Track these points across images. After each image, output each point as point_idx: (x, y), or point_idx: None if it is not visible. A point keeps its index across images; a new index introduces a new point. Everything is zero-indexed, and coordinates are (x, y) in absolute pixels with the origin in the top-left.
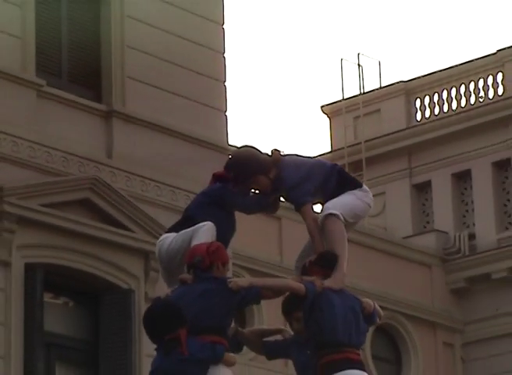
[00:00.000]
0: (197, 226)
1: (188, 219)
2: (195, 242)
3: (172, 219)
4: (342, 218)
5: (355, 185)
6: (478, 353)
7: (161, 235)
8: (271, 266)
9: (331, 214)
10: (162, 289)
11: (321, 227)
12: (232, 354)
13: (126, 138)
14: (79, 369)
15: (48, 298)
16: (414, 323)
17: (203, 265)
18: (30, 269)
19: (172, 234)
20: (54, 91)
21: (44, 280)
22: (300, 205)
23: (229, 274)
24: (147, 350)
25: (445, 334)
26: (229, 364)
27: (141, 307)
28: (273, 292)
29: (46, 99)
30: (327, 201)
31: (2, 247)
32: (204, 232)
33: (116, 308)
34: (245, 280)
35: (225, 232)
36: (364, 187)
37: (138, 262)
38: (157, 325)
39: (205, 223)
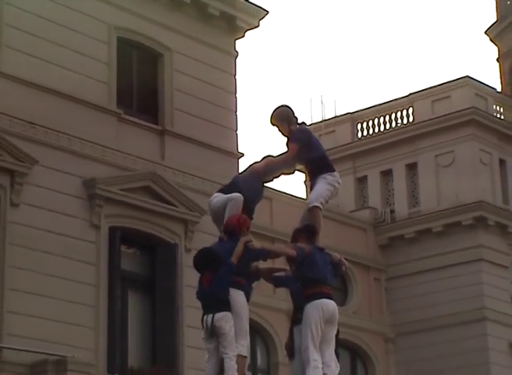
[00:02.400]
0: (230, 196)
1: (233, 184)
2: (228, 209)
3: (202, 199)
4: (321, 206)
5: (329, 169)
6: (395, 285)
7: (196, 209)
8: (264, 229)
9: (315, 206)
10: (197, 243)
11: (308, 210)
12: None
13: (173, 147)
14: (142, 294)
15: (123, 248)
16: (356, 265)
17: (234, 231)
18: (112, 230)
19: (220, 195)
20: (128, 117)
21: (121, 237)
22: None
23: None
24: (186, 282)
25: (375, 273)
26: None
27: (182, 255)
28: (275, 254)
29: (123, 123)
30: (308, 167)
31: (95, 216)
32: (234, 204)
33: (166, 256)
34: (259, 243)
35: (255, 198)
36: (335, 172)
37: (180, 226)
38: (201, 262)
39: (235, 196)
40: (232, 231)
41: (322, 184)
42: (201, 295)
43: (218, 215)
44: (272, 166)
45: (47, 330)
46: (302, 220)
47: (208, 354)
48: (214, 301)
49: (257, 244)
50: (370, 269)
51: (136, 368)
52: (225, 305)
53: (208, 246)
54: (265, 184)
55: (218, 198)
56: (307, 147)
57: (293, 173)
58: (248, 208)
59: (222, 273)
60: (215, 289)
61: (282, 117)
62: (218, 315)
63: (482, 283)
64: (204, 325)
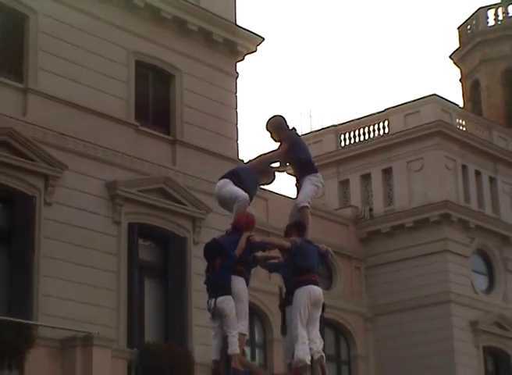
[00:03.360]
0: (238, 195)
1: (235, 173)
2: (236, 208)
3: (208, 199)
4: (309, 206)
5: (313, 171)
6: (373, 272)
7: (202, 208)
8: (261, 224)
9: (305, 206)
10: (203, 236)
11: (298, 209)
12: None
13: (183, 155)
14: (157, 280)
15: (140, 241)
16: (339, 256)
17: (241, 228)
18: (131, 225)
19: (227, 184)
20: (144, 129)
21: (138, 231)
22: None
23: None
24: (194, 270)
25: (356, 262)
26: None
27: (191, 247)
28: (274, 246)
29: (140, 133)
30: (296, 167)
31: (116, 213)
32: (242, 205)
33: (177, 247)
34: (259, 237)
35: (252, 189)
36: (318, 173)
37: (189, 222)
38: (209, 252)
39: (243, 197)
40: (239, 228)
41: (308, 185)
42: (207, 281)
43: (225, 203)
44: (265, 160)
45: (75, 311)
46: (290, 216)
47: (214, 332)
48: (217, 286)
49: (257, 237)
50: (351, 259)
51: (151, 343)
52: (227, 290)
53: (215, 238)
54: (260, 178)
55: (227, 189)
56: (296, 148)
57: (284, 171)
58: (240, 182)
59: (225, 263)
60: (218, 276)
61: (277, 125)
62: (220, 298)
63: (447, 270)
64: (209, 307)
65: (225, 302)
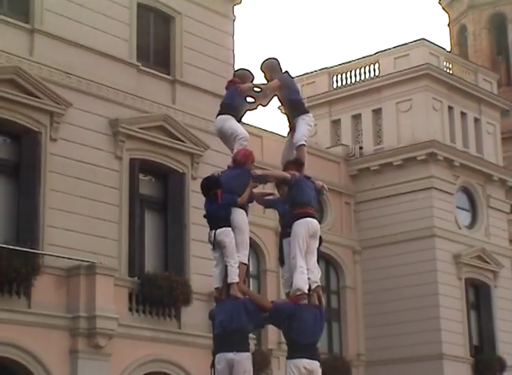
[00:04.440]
0: (239, 134)
1: (231, 106)
2: (236, 145)
3: (205, 136)
4: (306, 144)
5: (306, 111)
6: (362, 208)
7: (200, 145)
8: (256, 162)
9: (302, 144)
10: (201, 172)
11: (295, 147)
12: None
13: (182, 94)
14: (157, 213)
15: (141, 176)
16: (331, 192)
17: (241, 162)
18: (132, 161)
19: (227, 118)
20: (145, 69)
21: (139, 167)
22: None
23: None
24: (192, 204)
25: (346, 198)
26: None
27: (189, 182)
28: (275, 178)
29: (141, 73)
30: (289, 107)
31: (119, 149)
32: (242, 143)
33: (176, 182)
34: (259, 171)
35: (242, 111)
36: (310, 113)
37: (187, 158)
38: (207, 186)
39: (244, 136)
40: (239, 162)
41: (303, 125)
42: (207, 214)
43: (225, 139)
44: (250, 88)
45: (79, 241)
46: (283, 154)
47: (216, 261)
48: (217, 218)
49: (258, 171)
50: (342, 195)
51: (151, 273)
52: (226, 222)
53: (212, 174)
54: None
55: (228, 125)
56: (289, 89)
57: (266, 105)
58: (237, 113)
59: (224, 199)
60: (218, 209)
61: (271, 66)
62: (219, 230)
63: (432, 206)
64: (210, 238)
65: (225, 234)
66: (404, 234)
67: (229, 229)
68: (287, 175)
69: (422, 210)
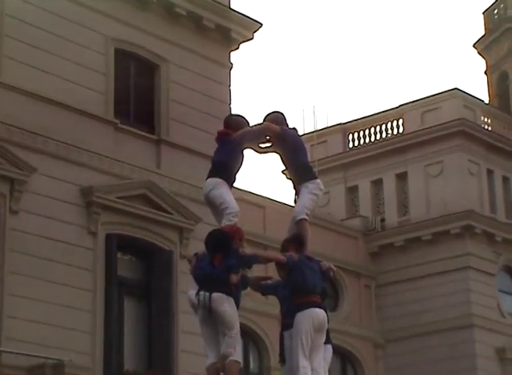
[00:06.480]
0: (229, 207)
1: (221, 167)
2: (225, 220)
3: (197, 207)
4: (307, 217)
5: (312, 176)
6: (385, 291)
7: (191, 217)
8: (257, 236)
9: (303, 219)
10: (191, 251)
11: (295, 222)
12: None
13: (169, 156)
14: (138, 300)
15: (119, 255)
16: (346, 273)
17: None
18: (108, 237)
19: (217, 182)
20: (125, 127)
21: (117, 244)
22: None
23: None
24: (181, 288)
25: (365, 280)
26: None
27: (177, 261)
28: (268, 260)
29: (120, 132)
30: (294, 171)
31: (92, 223)
32: (230, 219)
33: (162, 262)
34: (250, 250)
35: (237, 167)
36: (317, 180)
37: (175, 233)
38: (216, 243)
39: (234, 209)
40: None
41: (305, 195)
42: (204, 273)
43: (212, 208)
44: (247, 135)
45: (45, 335)
46: (289, 230)
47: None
48: (218, 281)
49: (248, 250)
50: (360, 276)
51: (131, 372)
52: (226, 287)
53: (220, 228)
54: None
55: (217, 193)
56: (294, 148)
57: (261, 152)
58: (231, 176)
59: (233, 261)
60: (222, 272)
61: (275, 120)
62: (216, 295)
63: (470, 290)
64: (201, 303)
65: (220, 301)
66: (436, 324)
67: (232, 300)
68: (282, 258)
69: (457, 295)
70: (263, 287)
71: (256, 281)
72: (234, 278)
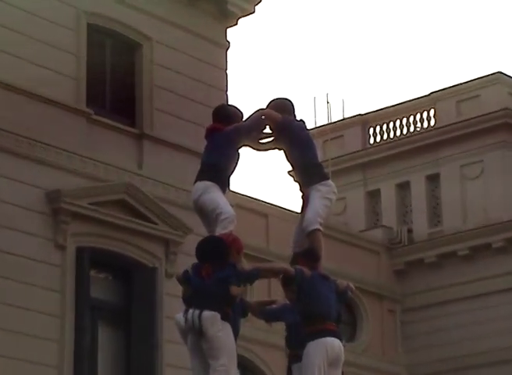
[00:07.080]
0: (223, 212)
1: (212, 168)
2: (219, 228)
3: (186, 215)
4: (321, 228)
5: (323, 177)
6: (412, 317)
7: (179, 228)
8: (259, 250)
9: (317, 229)
10: (179, 268)
11: (307, 234)
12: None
13: (153, 154)
14: (115, 327)
15: (93, 273)
16: (366, 295)
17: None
18: (80, 251)
19: (208, 186)
20: (99, 119)
21: (90, 259)
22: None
23: None
24: (167, 313)
25: (389, 304)
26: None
27: (163, 280)
28: (272, 273)
29: (93, 124)
30: (301, 171)
31: (60, 234)
32: (226, 225)
33: (144, 281)
34: (250, 265)
35: (232, 168)
36: (329, 181)
37: (160, 247)
38: (206, 251)
39: (229, 214)
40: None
41: (317, 200)
42: (196, 286)
43: (203, 214)
44: (242, 129)
45: (3, 369)
46: (295, 243)
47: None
48: (209, 296)
49: (247, 265)
50: (383, 298)
51: None
52: (219, 304)
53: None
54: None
55: (208, 197)
56: (301, 144)
57: (261, 150)
58: (223, 179)
59: (227, 272)
60: (214, 286)
61: (282, 108)
62: (207, 313)
63: None
64: (189, 323)
65: (211, 321)
66: (475, 358)
67: (228, 325)
68: (290, 269)
69: (502, 322)
70: (266, 313)
71: (258, 306)
72: (235, 290)
